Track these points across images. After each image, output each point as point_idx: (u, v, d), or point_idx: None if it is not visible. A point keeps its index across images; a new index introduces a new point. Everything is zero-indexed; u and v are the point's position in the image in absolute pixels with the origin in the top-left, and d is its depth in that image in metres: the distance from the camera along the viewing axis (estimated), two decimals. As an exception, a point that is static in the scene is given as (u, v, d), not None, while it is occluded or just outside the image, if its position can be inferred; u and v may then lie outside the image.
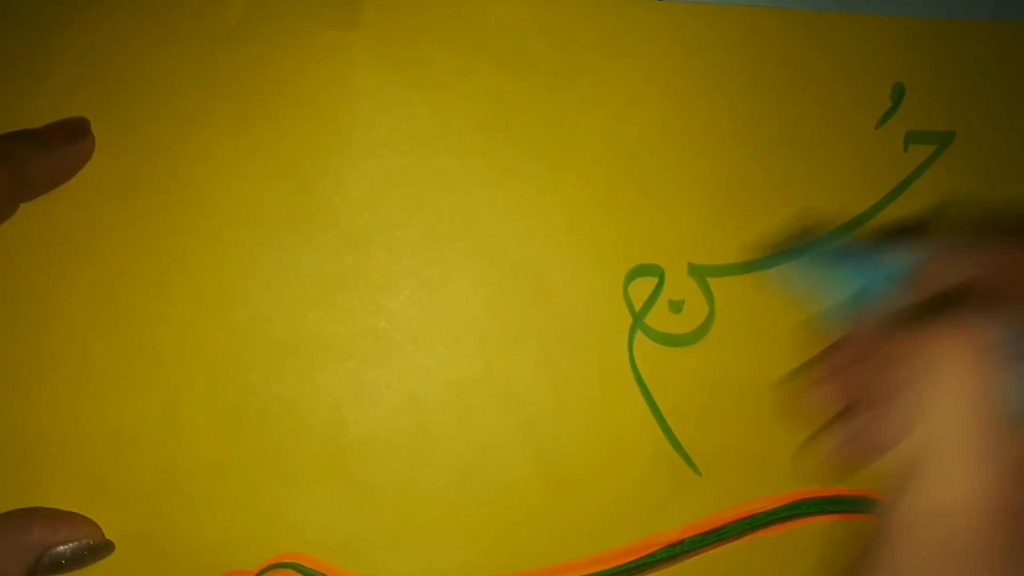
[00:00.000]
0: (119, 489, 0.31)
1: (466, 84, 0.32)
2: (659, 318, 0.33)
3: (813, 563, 0.33)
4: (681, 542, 0.32)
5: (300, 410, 0.31)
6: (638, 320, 0.32)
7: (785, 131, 0.33)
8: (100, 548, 0.30)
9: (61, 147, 0.30)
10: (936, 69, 0.34)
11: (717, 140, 0.33)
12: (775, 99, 0.33)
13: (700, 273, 0.33)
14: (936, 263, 0.26)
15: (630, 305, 0.33)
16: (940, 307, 0.24)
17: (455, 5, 0.32)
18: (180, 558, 0.31)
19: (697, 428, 0.33)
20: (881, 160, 0.34)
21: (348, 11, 0.32)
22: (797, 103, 0.33)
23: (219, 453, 0.31)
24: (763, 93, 0.33)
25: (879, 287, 0.27)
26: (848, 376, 0.29)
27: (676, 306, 0.33)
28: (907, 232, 0.30)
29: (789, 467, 0.33)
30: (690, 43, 0.33)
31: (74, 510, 0.30)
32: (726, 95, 0.33)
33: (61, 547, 0.29)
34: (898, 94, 0.34)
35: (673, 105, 0.33)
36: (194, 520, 0.31)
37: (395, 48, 0.32)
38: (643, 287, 0.33)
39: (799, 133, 0.33)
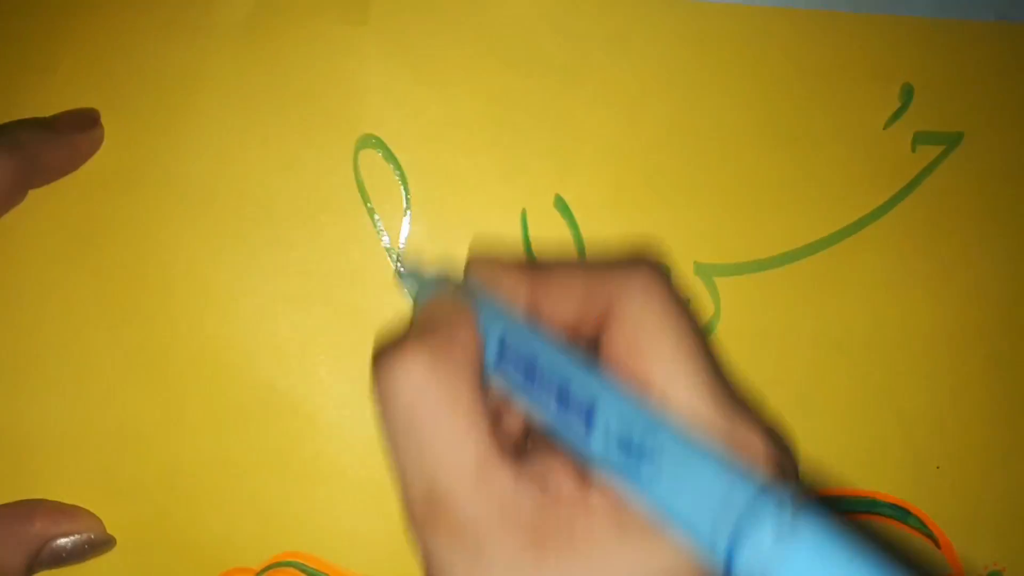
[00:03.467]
0: (122, 484, 0.30)
1: (475, 81, 0.32)
2: (665, 317, 0.33)
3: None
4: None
5: (305, 408, 0.31)
6: (644, 319, 0.32)
7: (793, 130, 0.33)
8: (101, 543, 0.30)
9: (70, 135, 0.30)
10: (945, 70, 0.34)
11: (725, 139, 0.33)
12: (783, 98, 0.33)
13: (706, 272, 0.33)
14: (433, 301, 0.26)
15: (636, 304, 0.32)
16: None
17: (465, 2, 0.32)
18: (182, 555, 0.31)
19: (702, 429, 0.33)
20: (889, 160, 0.34)
21: (358, 7, 0.32)
22: (806, 102, 0.33)
23: (223, 450, 0.31)
24: (771, 92, 0.33)
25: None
26: None
27: (682, 305, 0.33)
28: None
29: (794, 469, 0.33)
30: (699, 42, 0.33)
31: (77, 504, 0.30)
32: (735, 94, 0.33)
33: (62, 540, 0.29)
34: (907, 94, 0.34)
35: (681, 103, 0.33)
36: (197, 517, 0.31)
37: (404, 44, 0.32)
38: (650, 286, 0.33)
39: (807, 132, 0.33)
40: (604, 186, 0.32)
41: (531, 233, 0.32)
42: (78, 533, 0.29)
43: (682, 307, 0.23)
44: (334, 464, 0.31)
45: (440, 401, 0.22)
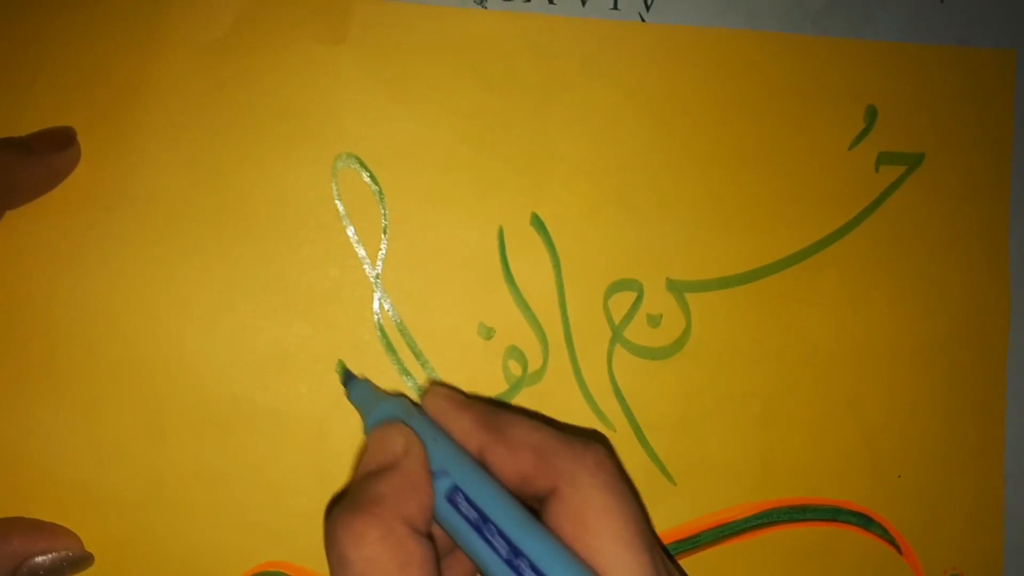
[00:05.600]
0: (102, 499, 0.30)
1: (452, 99, 0.32)
2: (638, 332, 0.33)
3: (782, 569, 0.34)
4: (657, 550, 0.33)
5: (285, 420, 0.31)
6: (617, 334, 0.33)
7: (761, 150, 0.34)
8: (79, 560, 0.30)
9: (47, 155, 0.29)
10: (908, 93, 0.35)
11: (696, 158, 0.34)
12: (752, 119, 0.34)
13: (678, 288, 0.33)
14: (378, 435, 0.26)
15: (610, 319, 0.33)
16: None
17: (442, 22, 0.32)
18: (163, 568, 0.31)
19: (672, 439, 0.33)
20: (854, 180, 0.34)
21: (336, 25, 0.32)
22: (773, 123, 0.34)
23: (203, 463, 0.31)
24: (741, 113, 0.34)
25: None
26: None
27: (654, 320, 0.33)
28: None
29: (761, 476, 0.34)
30: (671, 63, 0.34)
31: (55, 521, 0.30)
32: (705, 114, 0.34)
33: (40, 558, 0.29)
34: (871, 116, 0.35)
35: (654, 123, 0.33)
36: (178, 529, 0.31)
37: (382, 63, 0.32)
38: (623, 301, 0.33)
39: (775, 152, 0.34)
40: (579, 204, 0.33)
41: (508, 250, 0.33)
42: (56, 551, 0.29)
43: (629, 490, 0.24)
44: (314, 475, 0.31)
45: (391, 570, 0.22)
